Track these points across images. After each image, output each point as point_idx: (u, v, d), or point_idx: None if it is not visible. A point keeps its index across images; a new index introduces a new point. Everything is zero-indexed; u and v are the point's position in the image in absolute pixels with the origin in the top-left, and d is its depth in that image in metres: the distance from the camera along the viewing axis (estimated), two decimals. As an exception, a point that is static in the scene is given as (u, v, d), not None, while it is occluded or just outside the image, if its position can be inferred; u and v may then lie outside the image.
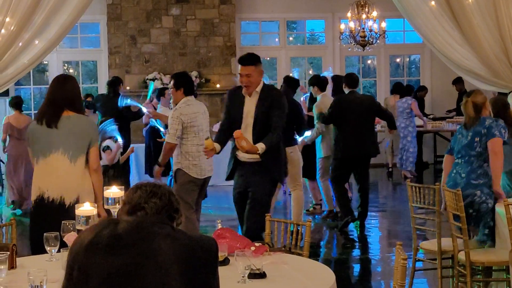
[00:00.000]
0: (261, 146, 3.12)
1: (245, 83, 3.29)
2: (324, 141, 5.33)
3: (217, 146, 3.31)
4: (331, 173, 5.10)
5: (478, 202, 3.04)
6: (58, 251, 2.14)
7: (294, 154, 4.72)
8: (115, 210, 2.21)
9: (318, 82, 5.51)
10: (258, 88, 3.33)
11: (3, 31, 3.75)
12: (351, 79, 5.20)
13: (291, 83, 5.25)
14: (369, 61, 10.02)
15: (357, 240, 5.04)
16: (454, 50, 4.35)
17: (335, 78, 5.86)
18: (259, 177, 3.32)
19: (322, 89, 5.46)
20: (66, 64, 9.07)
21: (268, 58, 9.53)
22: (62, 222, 2.18)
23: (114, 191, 2.30)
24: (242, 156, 3.34)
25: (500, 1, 4.06)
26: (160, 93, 6.14)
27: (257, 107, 3.30)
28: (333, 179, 5.08)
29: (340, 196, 5.06)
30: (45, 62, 8.04)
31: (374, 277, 4.28)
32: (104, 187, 2.46)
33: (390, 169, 7.96)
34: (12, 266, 2.05)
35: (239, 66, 3.33)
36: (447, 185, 3.17)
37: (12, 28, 3.80)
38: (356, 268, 4.42)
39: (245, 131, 3.23)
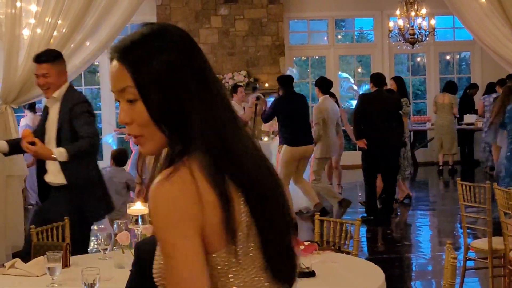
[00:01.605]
0: (59, 150, 2.44)
1: (41, 84, 2.64)
2: (321, 143, 5.31)
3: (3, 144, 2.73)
4: (362, 164, 5.22)
5: None
6: (111, 250, 2.16)
7: (283, 153, 4.91)
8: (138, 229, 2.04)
9: (321, 84, 5.52)
10: (61, 92, 2.66)
11: (55, 33, 3.73)
12: (378, 78, 5.27)
13: (284, 82, 5.23)
14: (418, 59, 9.69)
15: (405, 239, 4.91)
16: (504, 47, 4.19)
17: (397, 79, 6.00)
18: (62, 210, 2.58)
19: (324, 91, 5.45)
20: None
21: (316, 57, 9.43)
22: (115, 221, 2.21)
23: (138, 207, 2.07)
24: (47, 176, 2.68)
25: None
26: (233, 90, 6.18)
27: (60, 114, 2.62)
28: (363, 170, 5.21)
29: (369, 190, 5.14)
30: (96, 63, 7.95)
31: (424, 276, 4.17)
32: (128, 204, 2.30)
33: (441, 167, 7.69)
34: (66, 264, 2.04)
35: (35, 64, 2.69)
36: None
37: (64, 30, 3.75)
38: (406, 267, 4.31)
39: (49, 146, 2.56)
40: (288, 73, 6.55)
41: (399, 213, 5.59)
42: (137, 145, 0.84)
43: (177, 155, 0.76)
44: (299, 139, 4.92)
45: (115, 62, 0.78)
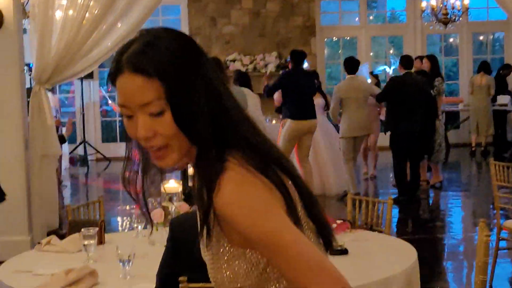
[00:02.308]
0: None
1: None
2: (342, 121, 5.29)
3: None
4: (392, 147, 5.21)
5: None
6: (145, 227, 2.16)
7: (286, 128, 4.95)
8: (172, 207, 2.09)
9: (346, 64, 5.50)
10: None
11: (87, 14, 3.68)
12: (407, 61, 5.26)
13: (295, 57, 5.13)
14: (451, 40, 9.45)
15: (437, 220, 4.88)
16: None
17: (432, 58, 5.97)
18: None
19: (349, 71, 5.41)
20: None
21: (348, 38, 9.32)
22: (148, 199, 2.27)
23: (172, 185, 2.17)
24: None
25: None
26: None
27: None
28: (393, 153, 5.20)
29: (398, 171, 5.12)
30: (126, 44, 8.44)
31: (456, 256, 4.13)
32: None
33: (473, 149, 7.60)
34: (100, 241, 2.07)
35: None
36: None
37: (96, 11, 3.71)
38: (437, 248, 4.27)
39: None
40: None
41: (431, 195, 5.52)
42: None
43: (217, 160, 0.73)
44: (302, 113, 4.88)
45: (136, 77, 0.72)
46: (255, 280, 0.77)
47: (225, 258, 0.76)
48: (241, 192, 0.71)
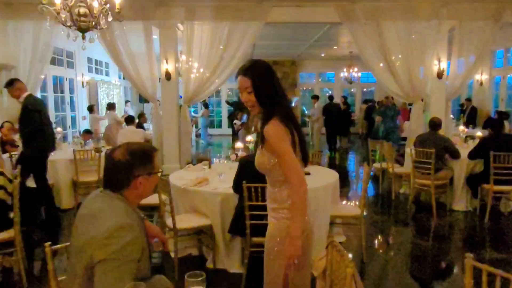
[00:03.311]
0: None
1: None
2: None
3: None
4: None
5: None
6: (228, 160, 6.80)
7: None
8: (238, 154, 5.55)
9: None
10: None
11: (207, 74, 8.14)
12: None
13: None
14: None
15: None
16: None
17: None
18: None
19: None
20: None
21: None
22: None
23: (239, 145, 5.99)
24: None
25: None
26: None
27: None
28: None
29: None
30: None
31: None
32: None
33: None
34: (210, 166, 5.34)
35: None
36: None
37: (206, 75, 8.03)
38: None
39: None
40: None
41: None
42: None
43: (267, 116, 1.96)
44: None
45: (241, 76, 1.97)
46: (272, 167, 1.96)
47: (262, 153, 1.98)
48: (274, 129, 1.90)
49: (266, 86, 1.98)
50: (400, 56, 7.70)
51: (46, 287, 3.62)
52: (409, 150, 6.23)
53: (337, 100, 14.18)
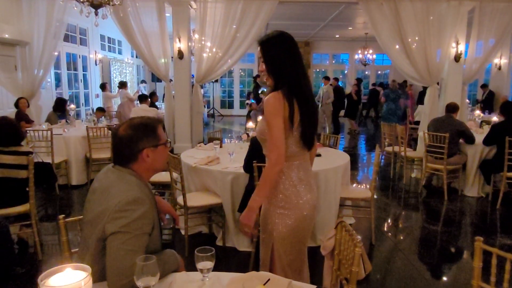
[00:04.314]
0: None
1: None
2: None
3: None
4: None
5: None
6: (239, 140, 6.80)
7: None
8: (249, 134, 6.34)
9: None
10: None
11: (220, 53, 8.14)
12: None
13: None
14: None
15: None
16: None
17: None
18: None
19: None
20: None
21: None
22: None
23: (250, 125, 6.41)
24: None
25: None
26: None
27: None
28: None
29: None
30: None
31: None
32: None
33: None
34: (221, 146, 5.33)
35: None
36: None
37: (219, 55, 8.00)
38: None
39: None
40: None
41: None
42: None
43: (276, 87, 1.94)
44: None
45: (259, 45, 1.99)
46: (266, 136, 1.92)
47: (262, 122, 2.00)
48: (272, 101, 1.90)
49: (274, 56, 1.94)
50: (417, 38, 7.53)
51: (59, 258, 3.74)
52: (422, 134, 6.15)
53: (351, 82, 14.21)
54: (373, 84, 16.50)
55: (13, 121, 3.76)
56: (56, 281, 1.03)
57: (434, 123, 5.87)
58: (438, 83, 8.01)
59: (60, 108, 7.47)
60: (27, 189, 3.64)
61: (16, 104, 6.94)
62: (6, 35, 6.84)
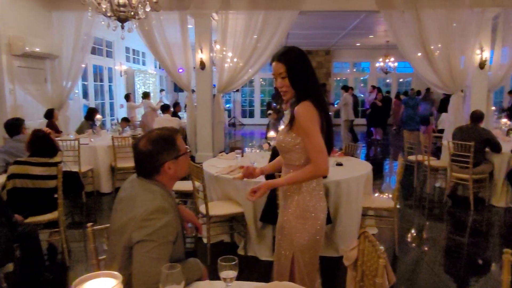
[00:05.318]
0: None
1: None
2: None
3: None
4: None
5: None
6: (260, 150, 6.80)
7: None
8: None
9: None
10: None
11: (241, 63, 8.22)
12: None
13: None
14: None
15: None
16: None
17: None
18: None
19: None
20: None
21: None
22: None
23: (272, 134, 6.49)
24: None
25: None
26: None
27: None
28: None
29: None
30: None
31: None
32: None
33: None
34: (242, 155, 5.75)
35: None
36: None
37: (240, 65, 8.12)
38: None
39: None
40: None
41: None
42: None
43: (300, 99, 1.98)
44: None
45: (275, 62, 1.99)
46: (293, 148, 1.98)
47: (288, 133, 2.01)
48: (305, 109, 1.94)
49: (299, 70, 1.99)
50: (439, 45, 7.42)
51: (86, 265, 3.82)
52: (447, 143, 6.03)
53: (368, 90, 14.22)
54: (387, 92, 16.37)
55: (48, 135, 3.88)
56: (88, 287, 1.07)
57: (459, 132, 5.75)
58: (462, 91, 7.85)
59: (91, 117, 7.71)
60: (55, 195, 3.75)
61: (47, 115, 7.17)
62: (37, 49, 7.10)
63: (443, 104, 10.61)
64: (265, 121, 13.87)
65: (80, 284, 1.06)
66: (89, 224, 2.03)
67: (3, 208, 3.02)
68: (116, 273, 1.14)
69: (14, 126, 4.53)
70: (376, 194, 5.91)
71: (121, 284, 1.10)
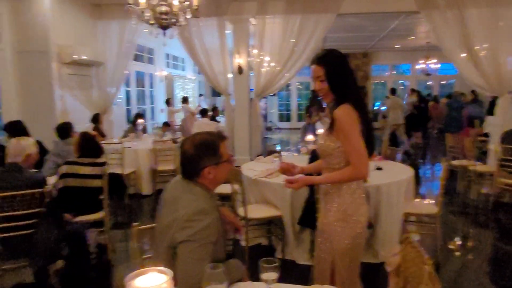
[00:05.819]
0: None
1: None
2: None
3: None
4: None
5: None
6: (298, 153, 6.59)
7: None
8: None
9: None
10: None
11: (277, 68, 8.18)
12: None
13: None
14: None
15: None
16: None
17: None
18: None
19: None
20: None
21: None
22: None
23: (310, 137, 6.25)
24: None
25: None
26: None
27: None
28: None
29: None
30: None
31: None
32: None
33: None
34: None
35: None
36: None
37: (277, 69, 8.04)
38: None
39: None
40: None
41: None
42: None
43: (339, 102, 1.97)
44: None
45: (315, 65, 1.99)
46: (334, 151, 1.97)
47: (329, 137, 2.00)
48: (345, 111, 1.93)
49: (339, 73, 1.98)
50: (485, 45, 7.10)
51: (129, 264, 3.94)
52: (494, 147, 5.75)
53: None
54: (428, 95, 15.87)
55: (94, 136, 4.11)
56: (140, 282, 1.12)
57: (508, 135, 5.47)
58: (510, 92, 7.46)
59: (135, 121, 7.99)
60: (101, 196, 3.91)
61: (93, 120, 7.50)
62: (84, 57, 7.44)
63: (491, 107, 10.15)
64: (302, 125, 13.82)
65: (133, 278, 1.11)
66: (134, 224, 2.10)
67: (53, 209, 3.19)
68: (166, 269, 1.19)
69: (65, 129, 4.80)
70: (417, 200, 5.72)
71: (172, 280, 1.14)
